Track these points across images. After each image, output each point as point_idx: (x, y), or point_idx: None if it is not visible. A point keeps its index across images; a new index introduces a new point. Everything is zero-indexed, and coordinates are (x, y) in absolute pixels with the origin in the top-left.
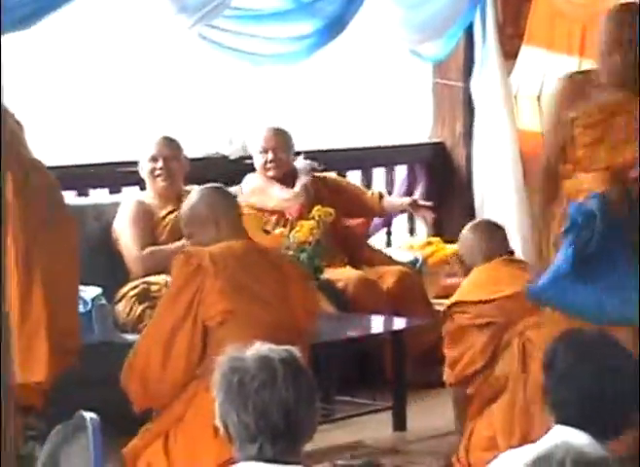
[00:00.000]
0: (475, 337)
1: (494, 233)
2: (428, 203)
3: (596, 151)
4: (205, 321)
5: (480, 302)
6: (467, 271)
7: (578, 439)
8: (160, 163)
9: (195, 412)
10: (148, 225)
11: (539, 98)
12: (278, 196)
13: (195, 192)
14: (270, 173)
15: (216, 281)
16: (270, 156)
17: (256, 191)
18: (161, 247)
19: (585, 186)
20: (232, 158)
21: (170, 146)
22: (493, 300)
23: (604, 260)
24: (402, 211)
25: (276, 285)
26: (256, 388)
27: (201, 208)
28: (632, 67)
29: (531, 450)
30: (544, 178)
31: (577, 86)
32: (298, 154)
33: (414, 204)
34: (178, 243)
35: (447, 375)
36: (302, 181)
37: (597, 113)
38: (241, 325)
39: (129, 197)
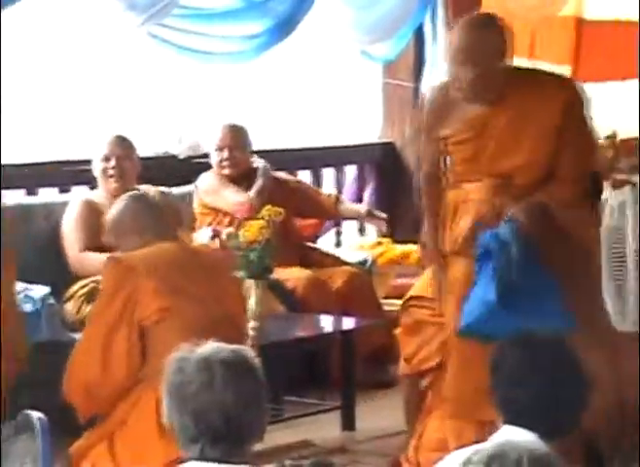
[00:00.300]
0: (432, 332)
1: None
2: (383, 215)
3: (475, 164)
4: (142, 321)
5: (435, 299)
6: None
7: (526, 438)
8: (112, 163)
9: (138, 414)
10: (94, 225)
11: None
12: (231, 199)
13: (119, 200)
14: (226, 171)
15: (149, 281)
16: (226, 154)
17: (210, 191)
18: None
19: (471, 196)
20: (182, 157)
21: (123, 145)
22: None
23: (525, 286)
24: (355, 218)
25: (210, 283)
26: (194, 391)
27: (124, 217)
28: (482, 79)
29: (480, 450)
30: (424, 185)
31: (445, 99)
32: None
33: (369, 214)
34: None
35: (403, 367)
36: (258, 184)
37: (468, 130)
38: (178, 323)
39: (78, 196)
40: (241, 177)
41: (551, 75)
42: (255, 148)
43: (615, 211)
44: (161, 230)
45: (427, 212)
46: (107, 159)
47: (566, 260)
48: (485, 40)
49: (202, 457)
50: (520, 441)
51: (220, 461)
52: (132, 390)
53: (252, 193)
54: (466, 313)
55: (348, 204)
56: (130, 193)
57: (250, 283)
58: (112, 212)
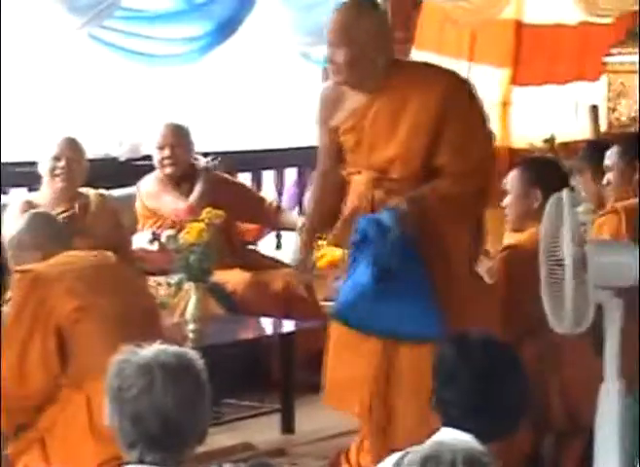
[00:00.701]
0: None
1: None
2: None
3: (357, 156)
4: (61, 324)
5: None
6: None
7: (462, 439)
8: (62, 163)
9: (67, 417)
10: None
11: None
12: (171, 205)
13: (22, 218)
14: (167, 170)
15: (61, 283)
16: (167, 152)
17: (151, 194)
18: None
19: (353, 187)
20: (122, 159)
21: (74, 147)
22: None
23: (401, 282)
24: (292, 229)
25: (121, 280)
26: (133, 396)
27: (25, 235)
28: (359, 67)
29: (415, 452)
30: (316, 176)
31: (336, 91)
32: None
33: None
34: None
35: None
36: (198, 189)
37: (349, 120)
38: (97, 321)
39: (18, 197)
40: (183, 177)
41: (434, 67)
42: (195, 150)
43: (552, 215)
44: (63, 243)
45: (310, 198)
46: (57, 158)
47: (443, 261)
48: (356, 21)
49: (141, 462)
50: (455, 441)
51: (159, 466)
52: (58, 394)
53: (192, 198)
54: (339, 299)
55: (288, 214)
56: (31, 211)
57: (189, 286)
58: (14, 229)
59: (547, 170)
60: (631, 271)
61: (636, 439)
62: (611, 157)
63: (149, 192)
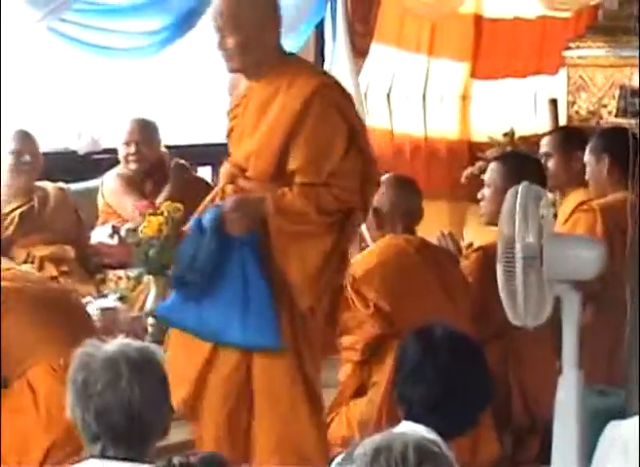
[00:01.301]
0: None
1: (410, 189)
2: None
3: (230, 143)
4: None
5: None
6: (381, 224)
7: (418, 430)
8: (22, 157)
9: (11, 403)
10: None
11: (389, 96)
12: (131, 209)
13: None
14: (132, 166)
15: None
16: (132, 148)
17: (113, 194)
18: None
19: (220, 180)
20: (82, 153)
21: (29, 141)
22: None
23: (229, 279)
24: None
25: None
26: (99, 390)
27: None
28: (249, 54)
29: (367, 443)
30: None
31: (237, 77)
32: None
33: None
34: None
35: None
36: (168, 189)
37: (233, 103)
38: (20, 304)
39: None
40: (149, 174)
41: (315, 70)
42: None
43: (510, 208)
44: None
45: None
46: (15, 153)
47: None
48: (242, 6)
49: (103, 456)
50: (408, 432)
51: (121, 460)
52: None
53: (160, 198)
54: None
55: None
56: None
57: (149, 279)
58: None
59: (526, 165)
60: (589, 265)
61: (594, 428)
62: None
63: (111, 189)
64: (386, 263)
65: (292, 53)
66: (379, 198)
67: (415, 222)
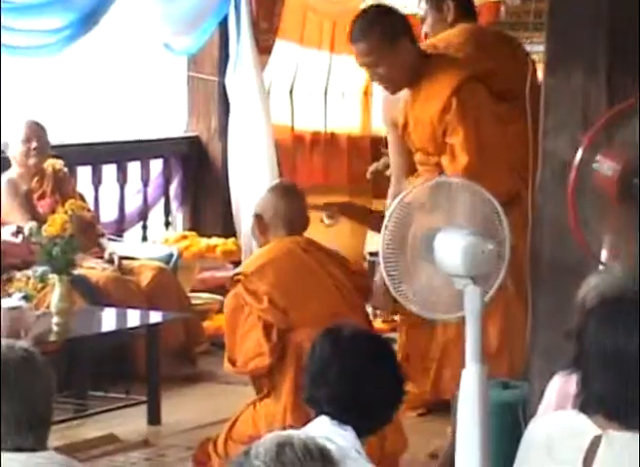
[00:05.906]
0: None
1: (293, 197)
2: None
3: None
4: None
5: None
6: (264, 230)
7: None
8: None
9: None
10: None
11: (291, 92)
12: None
13: None
14: (32, 161)
15: None
16: (34, 144)
17: (7, 195)
18: None
19: None
20: None
21: None
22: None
23: None
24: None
25: None
26: None
27: None
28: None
29: (267, 440)
30: None
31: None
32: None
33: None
34: None
35: None
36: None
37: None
38: None
39: None
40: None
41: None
42: (59, 142)
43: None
44: None
45: None
46: None
47: None
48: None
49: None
50: (312, 430)
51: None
52: None
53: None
54: None
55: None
56: None
57: (53, 278)
58: None
59: None
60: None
61: (497, 423)
62: None
63: (5, 191)
64: (277, 259)
65: None
66: (262, 205)
67: (299, 228)
